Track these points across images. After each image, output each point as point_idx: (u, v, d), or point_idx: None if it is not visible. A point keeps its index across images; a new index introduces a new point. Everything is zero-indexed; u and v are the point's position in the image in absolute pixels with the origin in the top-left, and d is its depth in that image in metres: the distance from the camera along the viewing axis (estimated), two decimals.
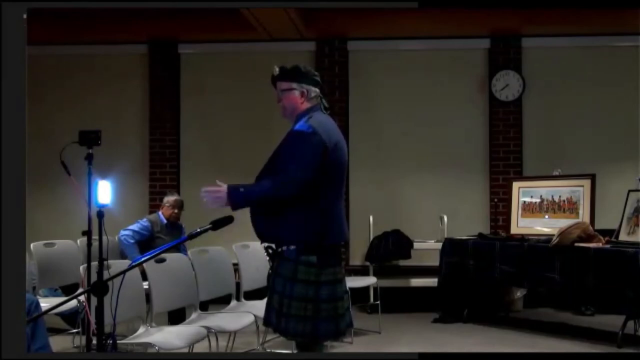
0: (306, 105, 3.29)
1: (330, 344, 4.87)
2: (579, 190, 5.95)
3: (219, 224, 2.98)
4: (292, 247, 3.18)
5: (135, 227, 5.71)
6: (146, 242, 5.64)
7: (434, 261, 6.50)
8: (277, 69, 3.33)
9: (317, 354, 3.29)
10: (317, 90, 3.32)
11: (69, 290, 5.41)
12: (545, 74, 7.32)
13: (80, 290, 4.81)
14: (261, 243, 3.34)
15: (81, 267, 4.19)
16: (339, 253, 3.37)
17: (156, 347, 3.61)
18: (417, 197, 7.40)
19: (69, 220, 6.83)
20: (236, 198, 3.17)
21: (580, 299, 6.48)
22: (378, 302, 6.17)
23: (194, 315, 4.42)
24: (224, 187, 3.20)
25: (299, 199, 3.12)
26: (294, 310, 3.16)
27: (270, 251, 3.27)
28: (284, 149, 3.23)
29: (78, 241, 5.51)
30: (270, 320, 3.27)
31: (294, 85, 3.29)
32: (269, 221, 3.22)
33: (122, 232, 5.67)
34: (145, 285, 4.18)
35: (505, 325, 6.11)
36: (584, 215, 5.82)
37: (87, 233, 3.33)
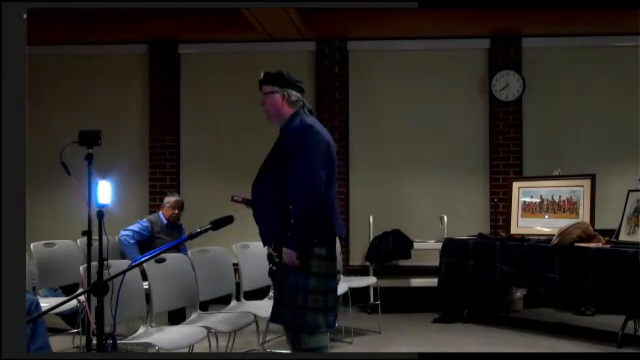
0: (289, 109, 3.43)
1: (331, 343, 4.87)
2: (579, 190, 5.95)
3: (219, 224, 2.98)
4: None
5: (135, 227, 5.71)
6: (146, 242, 5.64)
7: (434, 261, 6.49)
8: (262, 74, 3.48)
9: (317, 354, 3.30)
10: (299, 95, 3.46)
11: (69, 290, 5.41)
12: (545, 74, 7.32)
13: (80, 290, 4.82)
14: (264, 246, 3.37)
15: (81, 267, 4.19)
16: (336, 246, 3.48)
17: (156, 347, 3.61)
18: (417, 197, 7.40)
19: (69, 220, 6.83)
20: (292, 245, 3.25)
21: (580, 299, 6.48)
22: (378, 302, 6.17)
23: (194, 315, 4.41)
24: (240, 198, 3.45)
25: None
26: (310, 303, 3.22)
27: (275, 254, 3.30)
28: (288, 149, 3.26)
29: (78, 241, 5.50)
30: (283, 318, 3.30)
31: (276, 88, 3.44)
32: (278, 222, 3.25)
33: (122, 232, 5.67)
34: (145, 285, 4.18)
35: (505, 325, 6.11)
36: (584, 215, 5.82)
37: (87, 233, 3.33)
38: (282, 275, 3.29)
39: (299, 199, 3.20)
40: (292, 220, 3.23)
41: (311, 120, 3.40)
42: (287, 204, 3.25)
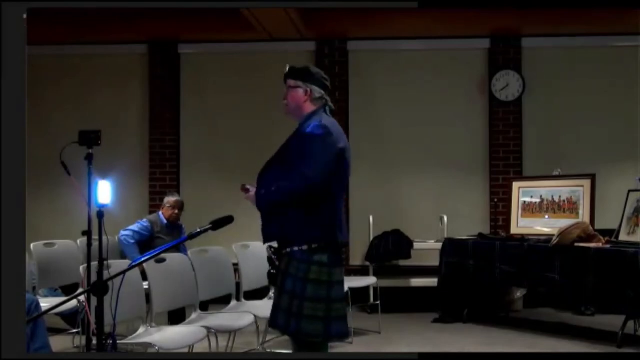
0: (310, 106, 3.37)
1: (331, 344, 4.87)
2: (579, 190, 5.95)
3: (219, 224, 2.98)
4: (304, 247, 3.19)
5: (135, 227, 5.71)
6: (146, 242, 5.64)
7: (434, 261, 6.49)
8: (287, 67, 3.41)
9: (317, 354, 3.28)
10: (322, 92, 3.40)
11: (69, 290, 5.41)
12: (545, 74, 7.32)
13: (80, 290, 4.82)
14: (264, 243, 3.34)
15: (81, 267, 4.19)
16: (342, 253, 3.41)
17: (156, 347, 3.61)
18: (417, 197, 7.40)
19: (69, 220, 6.83)
20: (258, 199, 3.23)
21: (580, 299, 6.48)
22: (378, 302, 6.17)
23: (194, 315, 4.42)
24: (252, 191, 3.29)
25: (313, 199, 3.16)
26: (307, 311, 3.16)
27: (275, 257, 3.27)
28: (298, 148, 3.23)
29: (78, 241, 5.51)
30: (278, 322, 3.25)
31: (300, 83, 3.37)
32: (280, 222, 3.23)
33: (122, 232, 5.67)
34: (145, 285, 4.18)
35: (505, 325, 6.11)
36: (584, 215, 5.82)
37: (87, 233, 3.33)
38: (280, 279, 3.26)
39: (287, 186, 3.16)
40: (273, 192, 3.18)
41: (329, 121, 3.33)
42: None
